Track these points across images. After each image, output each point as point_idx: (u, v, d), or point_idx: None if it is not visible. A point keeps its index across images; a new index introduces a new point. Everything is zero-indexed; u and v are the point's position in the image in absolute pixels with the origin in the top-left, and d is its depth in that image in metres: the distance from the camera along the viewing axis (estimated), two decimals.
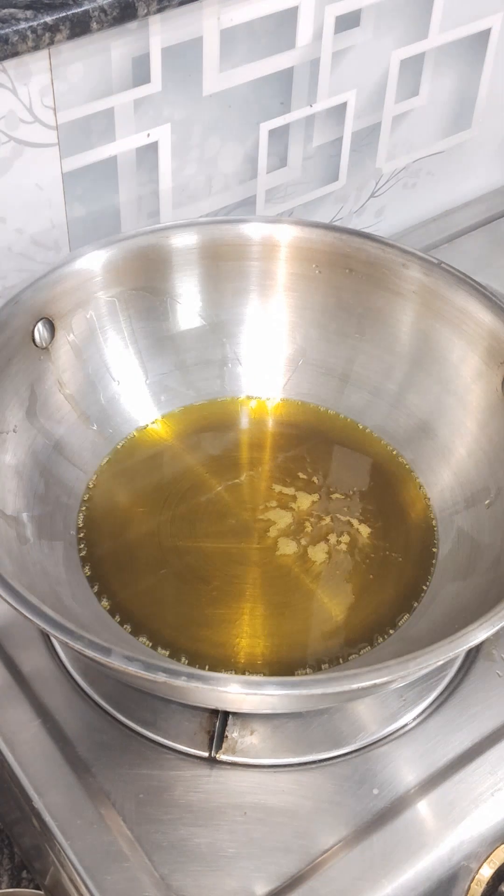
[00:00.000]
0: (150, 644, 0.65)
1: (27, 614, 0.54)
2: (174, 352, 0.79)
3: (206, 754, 0.62)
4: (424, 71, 0.93)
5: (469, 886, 0.60)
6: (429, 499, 0.73)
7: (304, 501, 0.73)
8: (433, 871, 0.58)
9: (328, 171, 0.94)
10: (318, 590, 0.68)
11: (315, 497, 0.74)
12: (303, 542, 0.71)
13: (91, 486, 0.73)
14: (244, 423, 0.79)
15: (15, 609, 0.54)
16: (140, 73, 0.77)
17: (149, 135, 0.80)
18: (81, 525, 0.71)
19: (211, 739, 0.62)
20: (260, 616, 0.67)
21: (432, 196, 1.05)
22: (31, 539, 0.65)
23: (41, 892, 0.66)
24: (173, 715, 0.63)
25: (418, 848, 0.58)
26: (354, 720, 0.64)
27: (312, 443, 0.78)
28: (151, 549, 0.70)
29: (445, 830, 0.59)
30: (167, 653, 0.64)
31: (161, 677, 0.51)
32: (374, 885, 0.56)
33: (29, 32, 0.68)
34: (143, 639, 0.65)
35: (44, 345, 0.71)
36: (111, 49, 0.74)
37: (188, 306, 0.78)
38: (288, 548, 0.70)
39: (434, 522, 0.72)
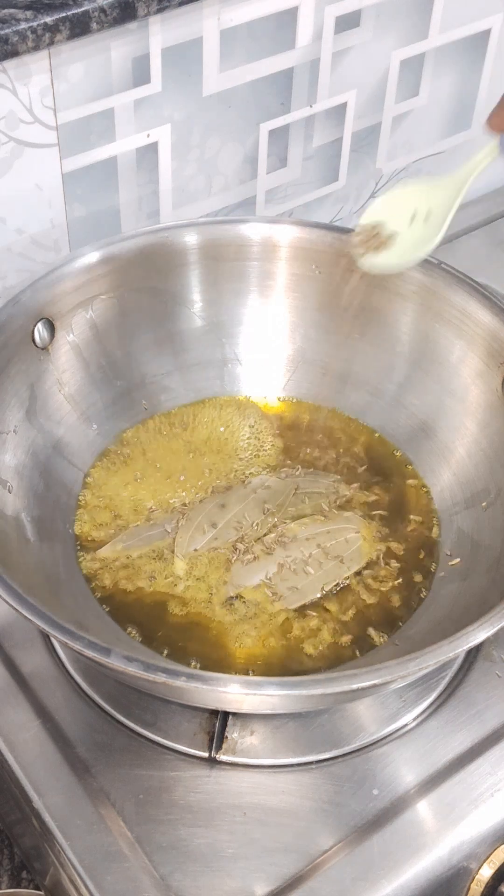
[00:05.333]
0: (150, 644, 0.65)
1: (27, 614, 0.54)
2: (174, 352, 0.78)
3: (206, 755, 0.62)
4: (424, 71, 0.93)
5: (469, 887, 0.60)
6: (429, 499, 0.73)
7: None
8: (433, 871, 0.58)
9: (328, 171, 0.94)
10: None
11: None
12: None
13: (91, 486, 0.73)
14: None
15: (15, 609, 0.54)
16: (140, 74, 0.77)
17: (149, 135, 0.80)
18: (81, 525, 0.71)
19: (211, 740, 0.62)
20: (260, 616, 0.67)
21: None
22: (31, 539, 0.65)
23: (41, 892, 0.66)
24: (173, 715, 0.63)
25: (418, 848, 0.58)
26: (354, 720, 0.64)
27: (312, 443, 0.77)
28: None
29: (445, 830, 0.59)
30: (167, 653, 0.64)
31: (161, 678, 0.51)
32: (374, 885, 0.56)
33: (29, 32, 0.68)
34: (141, 638, 0.65)
35: (44, 345, 0.71)
36: (111, 49, 0.74)
37: (188, 306, 0.78)
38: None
39: (434, 523, 0.72)
